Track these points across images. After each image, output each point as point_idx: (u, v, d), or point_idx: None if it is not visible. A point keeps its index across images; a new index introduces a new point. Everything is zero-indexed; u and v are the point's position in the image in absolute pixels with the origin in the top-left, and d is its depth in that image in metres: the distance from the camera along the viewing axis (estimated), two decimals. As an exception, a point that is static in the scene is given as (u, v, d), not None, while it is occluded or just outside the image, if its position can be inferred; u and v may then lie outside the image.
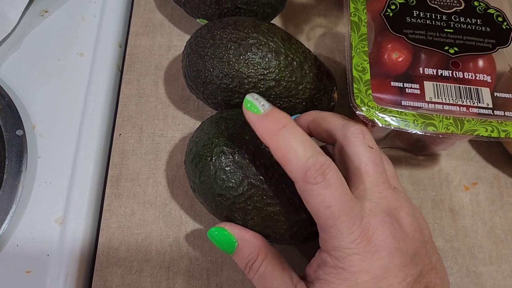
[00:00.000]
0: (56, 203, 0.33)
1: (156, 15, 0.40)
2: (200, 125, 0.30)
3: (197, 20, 0.36)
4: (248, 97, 0.24)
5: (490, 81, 0.28)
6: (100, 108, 0.36)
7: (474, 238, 0.33)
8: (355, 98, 0.27)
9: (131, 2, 0.41)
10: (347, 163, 0.26)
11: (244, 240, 0.26)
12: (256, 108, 0.24)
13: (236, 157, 0.26)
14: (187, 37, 0.39)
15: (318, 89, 0.32)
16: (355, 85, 0.27)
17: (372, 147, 0.25)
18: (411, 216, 0.25)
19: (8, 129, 0.35)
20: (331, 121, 0.27)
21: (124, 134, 0.35)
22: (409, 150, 0.36)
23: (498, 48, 0.29)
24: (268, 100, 0.30)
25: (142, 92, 0.37)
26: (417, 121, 0.26)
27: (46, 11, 0.40)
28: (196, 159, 0.27)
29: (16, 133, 0.35)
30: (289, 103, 0.31)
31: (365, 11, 0.30)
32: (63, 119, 0.36)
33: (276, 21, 0.40)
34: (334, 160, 0.27)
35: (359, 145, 0.25)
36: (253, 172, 0.26)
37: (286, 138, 0.23)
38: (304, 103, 0.32)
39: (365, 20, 0.29)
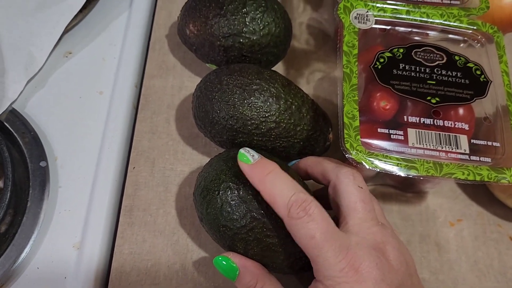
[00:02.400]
0: (74, 229, 0.36)
1: (169, 58, 0.44)
2: (209, 161, 0.33)
3: (207, 65, 0.40)
4: (241, 150, 0.29)
5: (468, 129, 0.32)
6: (116, 143, 0.39)
7: (458, 271, 0.36)
8: (345, 142, 0.30)
9: (147, 46, 0.45)
10: (339, 201, 0.29)
11: (245, 268, 0.29)
12: (248, 158, 0.28)
13: (241, 193, 0.29)
14: (197, 79, 0.43)
15: (315, 130, 0.36)
16: (345, 131, 0.30)
17: (361, 187, 0.28)
18: (397, 250, 0.27)
19: (33, 161, 0.38)
20: (326, 164, 0.31)
21: (138, 167, 0.39)
22: (399, 187, 0.39)
23: (476, 99, 0.33)
24: (268, 140, 0.34)
25: (155, 129, 0.40)
26: (400, 164, 0.30)
27: (70, 53, 0.44)
28: (204, 192, 0.31)
29: (40, 164, 0.38)
30: (288, 142, 0.35)
31: (356, 63, 0.33)
32: (83, 152, 0.39)
33: (279, 65, 0.44)
34: (328, 200, 0.31)
35: (350, 185, 0.28)
36: (255, 206, 0.29)
37: (272, 182, 0.27)
38: (301, 143, 0.35)
39: (356, 72, 0.33)
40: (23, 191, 0.37)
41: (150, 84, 0.42)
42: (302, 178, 0.33)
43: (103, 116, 0.41)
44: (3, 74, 0.41)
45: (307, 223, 0.25)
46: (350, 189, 0.28)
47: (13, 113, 0.40)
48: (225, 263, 0.29)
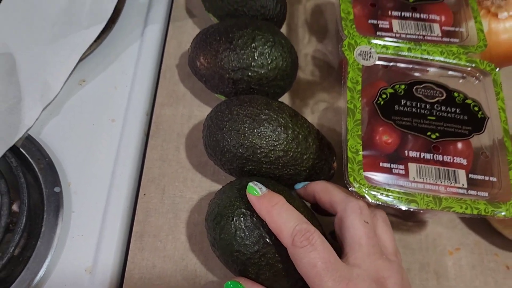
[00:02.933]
0: (87, 254, 0.38)
1: (179, 87, 0.46)
2: (221, 188, 0.34)
3: (216, 95, 0.42)
4: (250, 184, 0.31)
5: (466, 164, 0.33)
6: (128, 170, 0.41)
7: (457, 299, 0.37)
8: (349, 176, 0.31)
9: (157, 75, 0.47)
10: (344, 234, 0.30)
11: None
12: (256, 190, 0.31)
13: (254, 219, 0.31)
14: (206, 108, 0.44)
15: (320, 159, 0.37)
16: (349, 165, 0.32)
17: (367, 222, 0.30)
18: (398, 286, 0.28)
19: (48, 186, 0.40)
20: (335, 193, 0.32)
21: (148, 194, 0.40)
22: (400, 216, 0.41)
23: (474, 135, 0.34)
24: (276, 168, 0.35)
25: (165, 156, 0.42)
26: (401, 198, 0.31)
27: (83, 81, 0.46)
28: (218, 218, 0.32)
29: (54, 189, 0.40)
30: (294, 170, 0.36)
31: (360, 99, 0.35)
32: (95, 178, 0.41)
33: (286, 95, 0.45)
34: (334, 231, 0.32)
35: (356, 220, 0.29)
36: (268, 233, 0.30)
37: (277, 213, 0.29)
38: (307, 171, 0.37)
39: (360, 107, 0.34)
40: (38, 215, 0.39)
41: (161, 113, 0.44)
42: (309, 201, 0.35)
43: (115, 143, 0.42)
44: (20, 102, 0.42)
45: (310, 252, 0.27)
46: (356, 224, 0.29)
47: (29, 140, 0.42)
48: (233, 285, 0.31)
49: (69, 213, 0.39)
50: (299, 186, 0.36)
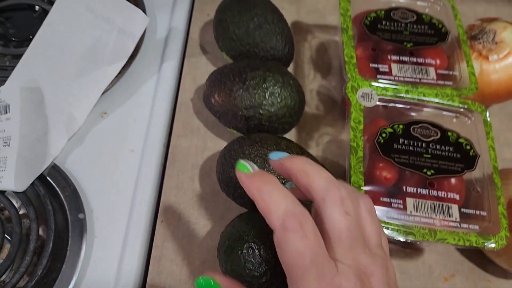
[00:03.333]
0: (108, 277, 0.41)
1: (194, 120, 0.49)
2: (231, 221, 0.38)
3: (228, 129, 0.45)
4: (241, 161, 0.28)
5: (459, 199, 0.36)
6: (146, 197, 0.44)
7: (452, 323, 0.40)
8: (352, 210, 0.35)
9: (173, 108, 0.51)
10: (323, 226, 0.26)
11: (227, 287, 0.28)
12: (247, 168, 0.27)
13: (262, 252, 0.34)
14: (219, 140, 0.48)
15: (324, 192, 0.40)
16: None
17: (349, 213, 0.26)
18: (383, 283, 0.26)
19: (72, 213, 0.43)
20: (314, 179, 0.27)
21: (166, 220, 0.43)
22: (399, 244, 0.44)
23: (466, 172, 0.38)
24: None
25: (181, 185, 0.45)
26: (400, 230, 0.34)
27: (105, 113, 0.49)
28: (229, 251, 0.35)
29: (79, 216, 0.43)
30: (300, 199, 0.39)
31: (362, 138, 0.38)
32: (116, 205, 0.44)
33: (293, 129, 0.49)
34: None
35: (336, 212, 0.26)
36: (274, 264, 0.33)
37: (269, 191, 0.25)
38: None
39: (362, 146, 0.38)
40: (63, 240, 0.42)
41: (177, 144, 0.47)
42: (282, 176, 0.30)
43: (135, 173, 0.46)
44: (47, 133, 0.46)
45: (299, 239, 0.24)
46: (335, 216, 0.26)
47: (54, 168, 0.45)
48: (207, 284, 0.28)
49: (92, 238, 0.42)
50: (274, 156, 0.29)
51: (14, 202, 0.43)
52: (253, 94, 0.42)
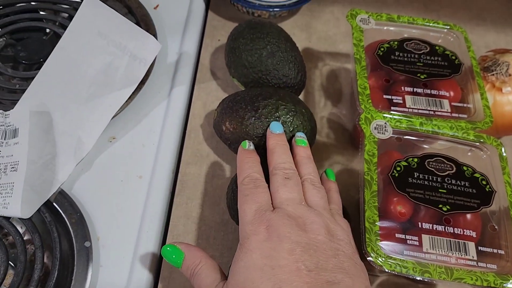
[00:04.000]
0: (113, 308, 0.40)
1: (204, 147, 0.49)
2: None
3: (239, 157, 0.45)
4: (246, 141, 0.40)
5: (475, 236, 0.36)
6: (154, 226, 0.43)
7: None
8: (367, 246, 0.34)
9: (183, 134, 0.50)
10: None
11: (189, 251, 0.35)
12: (246, 145, 0.39)
13: None
14: (228, 168, 0.47)
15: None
16: (366, 235, 0.34)
17: (288, 178, 0.35)
18: (317, 225, 0.32)
19: (78, 240, 0.42)
20: (271, 155, 0.38)
21: (173, 250, 0.42)
22: (411, 279, 0.43)
23: (482, 208, 0.37)
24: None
25: (189, 214, 0.44)
26: (415, 268, 0.33)
27: (113, 138, 0.49)
28: None
29: (85, 244, 0.42)
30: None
31: (376, 171, 0.38)
32: (123, 233, 0.43)
33: (302, 156, 0.48)
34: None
35: (279, 177, 0.35)
36: None
37: (246, 163, 0.37)
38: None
39: (376, 179, 0.37)
40: (68, 269, 0.41)
41: (186, 171, 0.47)
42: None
43: (142, 200, 0.45)
44: (55, 158, 0.45)
45: (249, 189, 0.34)
46: (276, 178, 0.35)
47: (61, 194, 0.44)
48: (172, 249, 0.35)
49: (97, 267, 0.41)
50: (273, 127, 0.40)
51: (18, 227, 0.42)
52: (265, 122, 0.41)
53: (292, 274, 0.28)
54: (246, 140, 0.40)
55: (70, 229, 0.42)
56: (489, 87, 0.46)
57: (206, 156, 0.48)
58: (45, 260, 0.42)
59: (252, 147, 0.39)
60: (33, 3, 0.56)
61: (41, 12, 0.56)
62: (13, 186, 0.42)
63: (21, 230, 0.42)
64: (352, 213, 0.42)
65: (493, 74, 0.46)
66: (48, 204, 0.43)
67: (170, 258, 0.35)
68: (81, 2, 0.49)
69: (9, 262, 0.41)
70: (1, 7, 0.56)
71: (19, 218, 0.41)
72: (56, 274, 0.39)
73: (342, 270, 0.30)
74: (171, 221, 0.44)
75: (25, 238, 0.42)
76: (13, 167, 0.43)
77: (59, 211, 0.43)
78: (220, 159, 0.48)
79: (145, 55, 0.49)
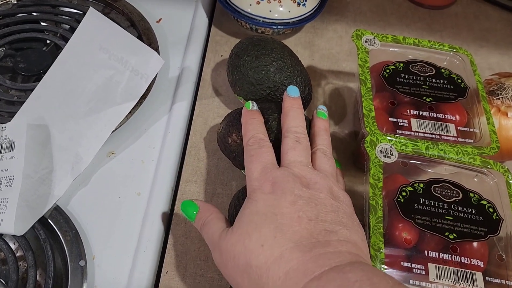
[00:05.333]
0: (107, 331, 0.38)
1: (204, 164, 0.48)
2: None
3: (242, 172, 0.44)
4: (249, 101, 0.41)
5: (483, 266, 0.35)
6: (152, 246, 0.42)
7: None
8: (372, 274, 0.33)
9: (183, 151, 0.49)
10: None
11: (204, 205, 0.37)
12: (249, 106, 0.40)
13: None
14: (229, 186, 0.46)
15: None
16: (372, 263, 0.33)
17: (298, 142, 0.37)
18: (320, 185, 0.33)
19: (73, 259, 0.41)
20: (285, 118, 0.39)
21: (171, 271, 0.41)
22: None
23: (489, 236, 0.36)
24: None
25: (188, 233, 0.43)
26: (422, 298, 0.32)
27: (112, 153, 0.48)
28: None
29: (79, 263, 0.41)
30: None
31: (381, 196, 0.37)
32: (119, 253, 0.42)
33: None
34: None
35: (290, 139, 0.37)
36: None
37: (251, 124, 0.38)
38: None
39: (381, 204, 0.36)
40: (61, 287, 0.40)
41: (186, 189, 0.46)
42: None
43: (140, 217, 0.44)
44: (51, 172, 0.44)
45: (255, 149, 0.36)
46: (288, 142, 0.37)
47: (57, 210, 0.43)
48: (189, 204, 0.37)
49: (92, 287, 0.40)
50: (290, 91, 0.41)
51: (11, 243, 0.41)
52: (273, 136, 0.40)
53: (293, 220, 0.30)
54: (250, 101, 0.41)
55: (65, 247, 0.41)
56: (494, 111, 0.46)
57: (206, 174, 0.47)
58: (38, 278, 0.40)
59: (255, 107, 0.40)
60: (34, 13, 0.56)
61: (42, 23, 0.56)
62: (7, 201, 0.41)
63: (13, 247, 0.41)
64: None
65: (498, 98, 0.46)
66: (42, 221, 0.42)
67: (186, 210, 0.37)
68: (83, 14, 0.48)
69: (0, 279, 0.39)
70: (1, 17, 0.55)
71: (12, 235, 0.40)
72: (49, 294, 0.38)
73: (340, 223, 0.31)
74: (169, 240, 0.43)
75: (17, 254, 0.41)
76: (8, 182, 0.42)
77: (54, 228, 0.42)
78: (221, 177, 0.47)
79: (147, 71, 0.48)
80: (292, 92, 0.40)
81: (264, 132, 0.38)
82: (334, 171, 0.37)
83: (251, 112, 0.40)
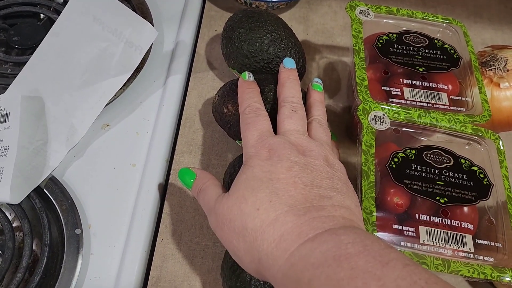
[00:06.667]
0: (103, 297, 0.39)
1: (198, 136, 0.48)
2: None
3: (237, 142, 0.44)
4: (245, 72, 0.41)
5: (473, 229, 0.35)
6: (147, 215, 0.42)
7: None
8: (364, 236, 0.33)
9: (178, 123, 0.50)
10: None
11: (201, 173, 0.37)
12: (246, 76, 0.40)
13: None
14: (224, 157, 0.47)
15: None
16: (364, 226, 0.34)
17: (295, 111, 0.37)
18: (316, 153, 0.33)
19: (69, 228, 0.41)
20: (281, 89, 0.39)
21: (166, 239, 0.42)
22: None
23: (480, 201, 0.36)
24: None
25: (183, 203, 0.43)
26: (412, 259, 0.33)
27: (107, 125, 0.48)
28: (234, 267, 0.34)
29: (75, 231, 0.41)
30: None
31: (374, 161, 0.37)
32: (115, 222, 0.42)
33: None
34: None
35: (287, 109, 0.37)
36: None
37: (247, 93, 0.39)
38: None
39: (373, 170, 0.37)
40: (57, 256, 0.40)
41: (180, 160, 0.46)
42: None
43: (135, 188, 0.44)
44: (46, 144, 0.44)
45: (251, 117, 0.36)
46: (283, 110, 0.37)
47: (52, 181, 0.43)
48: (186, 171, 0.37)
49: (87, 255, 0.40)
50: (286, 63, 0.41)
51: (7, 213, 0.41)
52: (269, 106, 0.40)
53: (289, 185, 0.31)
54: (246, 71, 0.41)
55: (61, 216, 0.42)
56: (487, 82, 0.46)
57: (201, 145, 0.47)
58: (34, 247, 0.41)
59: (252, 78, 0.40)
60: (27, -12, 0.55)
61: (35, -3, 0.55)
62: (2, 171, 0.41)
63: (10, 217, 0.41)
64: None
65: (491, 69, 0.46)
66: (38, 190, 0.42)
67: (184, 177, 0.37)
68: (76, -13, 0.48)
69: (-3, 248, 0.40)
70: (-6, -9, 0.55)
71: (8, 204, 0.41)
72: (45, 261, 0.38)
73: (334, 189, 0.32)
74: (164, 209, 0.43)
75: (14, 225, 0.41)
76: (3, 152, 0.42)
77: (49, 198, 0.42)
78: (215, 148, 0.47)
79: (141, 42, 0.48)
80: (289, 64, 0.41)
81: (261, 101, 0.38)
82: (329, 141, 0.37)
83: (248, 82, 0.40)
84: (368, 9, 0.47)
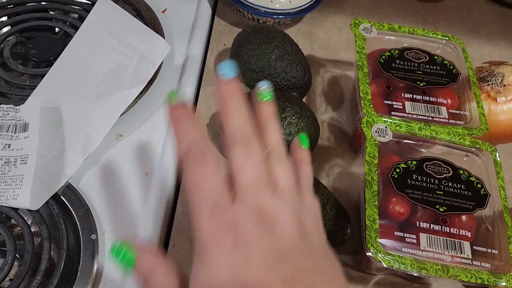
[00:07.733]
0: (118, 300, 0.41)
1: (208, 146, 0.50)
2: None
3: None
4: (173, 90, 0.32)
5: (470, 236, 0.37)
6: (159, 222, 0.44)
7: None
8: (367, 243, 0.35)
9: (188, 133, 0.52)
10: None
11: (144, 251, 0.26)
12: (175, 98, 0.27)
13: None
14: (232, 167, 0.49)
15: (335, 226, 0.41)
16: (367, 232, 0.36)
17: (250, 150, 0.26)
18: (287, 220, 0.25)
19: (85, 233, 0.43)
20: (222, 117, 0.27)
21: (177, 245, 0.43)
22: (407, 278, 0.44)
23: (477, 210, 0.38)
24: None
25: (194, 210, 0.45)
26: (413, 265, 0.35)
27: (120, 135, 0.50)
28: None
29: (91, 237, 0.43)
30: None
31: (377, 172, 0.39)
32: (128, 227, 0.44)
33: (303, 159, 0.50)
34: None
35: (237, 150, 0.26)
36: None
37: (186, 123, 0.27)
38: (324, 234, 0.40)
39: (376, 180, 0.39)
40: (74, 261, 0.42)
41: (191, 169, 0.48)
42: None
43: (148, 195, 0.46)
44: (63, 152, 0.46)
45: (200, 166, 0.25)
46: (234, 153, 0.26)
47: (69, 188, 0.45)
48: (121, 248, 0.25)
49: (103, 260, 0.42)
50: (223, 66, 0.29)
51: (26, 218, 0.43)
52: (291, 130, 0.43)
53: None
54: (173, 90, 0.32)
55: (77, 222, 0.43)
56: (485, 97, 0.48)
57: (210, 156, 0.49)
58: (51, 252, 0.42)
59: (183, 101, 0.28)
60: (43, 2, 0.58)
61: (51, 12, 0.58)
62: (22, 178, 0.43)
63: (28, 222, 0.43)
64: (352, 214, 0.44)
65: (488, 84, 0.48)
66: (56, 197, 0.44)
67: (119, 257, 0.25)
68: (91, 4, 0.50)
69: (16, 254, 0.42)
70: (12, 5, 0.57)
71: (27, 210, 0.43)
72: (62, 265, 0.40)
73: (318, 272, 0.25)
74: (175, 217, 0.45)
75: (32, 230, 0.43)
76: (23, 160, 0.44)
77: (66, 204, 0.44)
78: (224, 159, 0.49)
79: (154, 56, 0.50)
80: (226, 69, 0.28)
81: (205, 134, 0.27)
82: (293, 181, 0.28)
83: (180, 106, 0.28)
84: (371, 26, 0.49)
